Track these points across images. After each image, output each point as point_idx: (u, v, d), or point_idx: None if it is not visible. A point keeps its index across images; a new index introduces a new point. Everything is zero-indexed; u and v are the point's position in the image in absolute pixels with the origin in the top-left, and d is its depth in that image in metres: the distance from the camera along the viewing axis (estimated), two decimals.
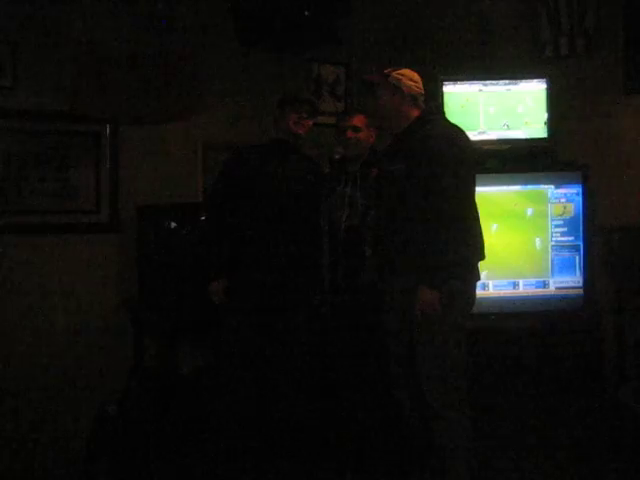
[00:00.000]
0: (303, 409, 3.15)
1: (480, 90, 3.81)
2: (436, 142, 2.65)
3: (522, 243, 3.67)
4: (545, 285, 3.68)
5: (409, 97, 2.81)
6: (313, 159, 3.31)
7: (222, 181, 3.20)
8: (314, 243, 3.14)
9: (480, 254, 2.78)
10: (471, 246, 2.69)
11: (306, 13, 3.48)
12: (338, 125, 3.26)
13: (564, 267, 3.68)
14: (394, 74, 2.82)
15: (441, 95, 3.75)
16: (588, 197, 3.71)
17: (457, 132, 2.77)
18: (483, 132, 3.78)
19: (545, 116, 3.79)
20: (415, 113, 2.82)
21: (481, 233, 2.78)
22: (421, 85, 2.86)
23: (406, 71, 2.85)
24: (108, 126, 3.57)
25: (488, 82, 3.81)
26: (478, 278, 2.83)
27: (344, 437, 3.14)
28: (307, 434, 3.15)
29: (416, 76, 2.86)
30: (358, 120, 3.13)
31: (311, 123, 3.18)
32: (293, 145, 3.17)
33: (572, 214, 3.70)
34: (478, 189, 2.78)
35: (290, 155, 3.16)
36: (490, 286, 3.65)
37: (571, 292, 3.69)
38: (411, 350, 2.76)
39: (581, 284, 3.69)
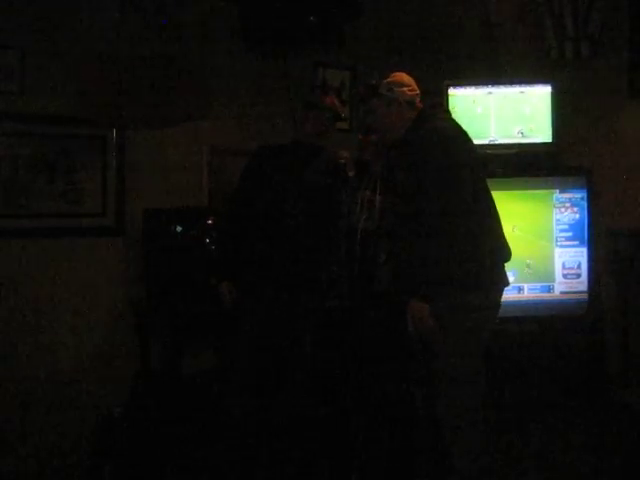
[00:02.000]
0: (314, 410, 3.16)
1: (490, 93, 3.81)
2: (429, 144, 2.56)
3: (527, 247, 3.67)
4: (550, 290, 3.68)
5: (405, 104, 2.72)
6: (337, 161, 3.28)
7: (242, 183, 3.20)
8: (330, 246, 3.13)
9: (501, 254, 2.66)
10: (480, 250, 2.54)
11: (311, 18, 3.48)
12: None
13: (569, 272, 3.68)
14: (386, 81, 2.73)
15: (446, 99, 3.76)
16: (593, 201, 3.71)
17: (452, 130, 2.67)
18: (494, 140, 3.78)
19: (550, 120, 3.79)
20: (414, 115, 2.73)
21: (498, 231, 2.67)
22: (414, 86, 2.76)
23: (396, 76, 2.76)
24: (114, 130, 3.58)
25: (493, 87, 3.81)
26: (505, 283, 2.70)
27: (353, 438, 3.14)
28: (317, 435, 3.16)
29: (406, 78, 2.76)
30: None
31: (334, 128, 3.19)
32: (314, 148, 3.15)
33: (577, 218, 3.70)
34: None
35: (311, 158, 3.14)
36: None
37: (576, 297, 3.69)
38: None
39: (586, 289, 3.69)
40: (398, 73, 2.78)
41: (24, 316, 3.36)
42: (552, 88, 3.79)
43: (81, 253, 3.51)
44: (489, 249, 2.61)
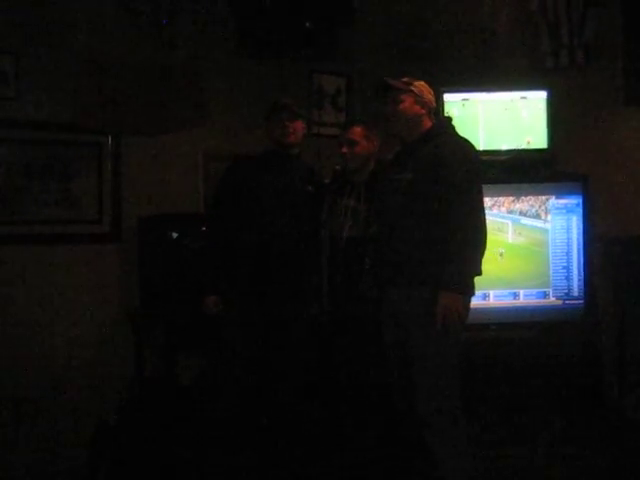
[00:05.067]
0: (301, 419, 3.15)
1: (485, 99, 3.82)
2: (447, 154, 2.70)
3: (522, 253, 3.68)
4: (545, 295, 3.68)
5: (427, 109, 2.88)
6: (313, 169, 3.31)
7: (220, 195, 3.21)
8: (312, 254, 3.13)
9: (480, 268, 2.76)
10: (477, 258, 2.69)
11: (307, 25, 3.50)
12: (338, 137, 3.20)
13: (564, 277, 3.69)
14: (416, 84, 2.88)
15: (442, 105, 3.76)
16: (588, 208, 3.71)
17: (468, 145, 2.82)
18: (489, 146, 3.79)
19: (545, 127, 3.80)
20: (428, 124, 2.89)
21: (485, 246, 2.76)
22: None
23: (424, 83, 2.92)
24: (110, 137, 3.58)
25: (488, 93, 3.82)
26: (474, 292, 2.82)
27: (341, 447, 3.14)
28: (305, 444, 3.15)
29: (431, 90, 2.94)
30: (354, 133, 3.08)
31: (300, 127, 3.15)
32: (288, 154, 3.16)
33: (572, 224, 3.71)
34: None
35: (287, 165, 3.15)
36: (491, 296, 3.64)
37: (571, 302, 3.68)
38: (408, 361, 2.77)
39: (582, 294, 3.68)
40: (421, 82, 2.92)
41: (18, 323, 3.35)
42: (547, 95, 3.81)
43: (76, 260, 3.50)
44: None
